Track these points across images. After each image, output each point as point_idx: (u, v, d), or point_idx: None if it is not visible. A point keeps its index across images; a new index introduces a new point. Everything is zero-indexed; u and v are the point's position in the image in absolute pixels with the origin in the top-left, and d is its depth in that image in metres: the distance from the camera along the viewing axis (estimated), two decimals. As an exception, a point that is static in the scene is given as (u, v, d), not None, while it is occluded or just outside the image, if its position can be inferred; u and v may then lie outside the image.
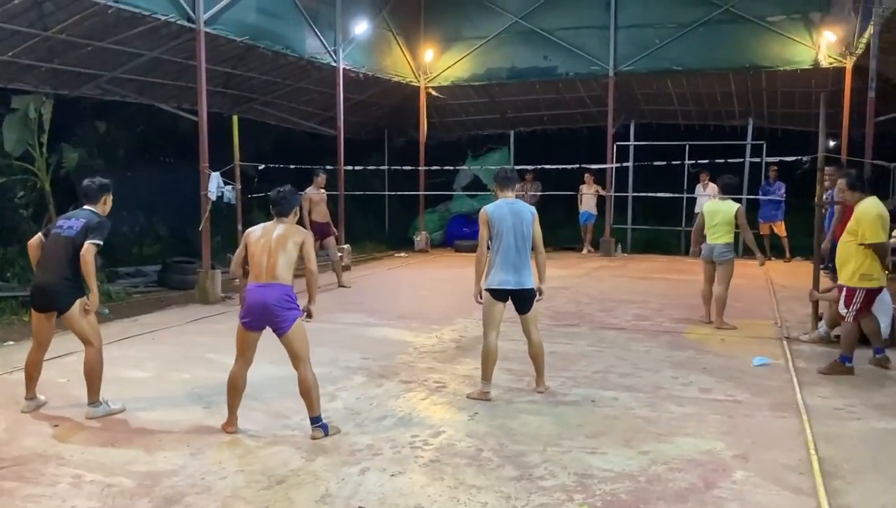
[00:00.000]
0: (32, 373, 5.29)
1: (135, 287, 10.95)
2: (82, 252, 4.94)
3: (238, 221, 10.00)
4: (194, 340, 7.62)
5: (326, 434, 4.67)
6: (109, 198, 5.36)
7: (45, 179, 11.36)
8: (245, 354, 4.76)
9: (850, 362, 6.26)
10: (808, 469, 4.19)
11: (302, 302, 4.74)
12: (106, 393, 5.23)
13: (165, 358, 6.84)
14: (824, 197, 8.27)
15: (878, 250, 6.18)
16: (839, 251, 6.41)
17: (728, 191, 8.46)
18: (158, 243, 13.70)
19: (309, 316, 4.79)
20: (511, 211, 5.48)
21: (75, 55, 10.08)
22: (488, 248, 5.52)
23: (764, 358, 6.65)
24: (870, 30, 11.10)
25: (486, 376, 5.55)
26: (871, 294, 6.26)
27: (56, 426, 4.96)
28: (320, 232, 10.85)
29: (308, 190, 10.86)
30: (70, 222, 5.12)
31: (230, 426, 4.82)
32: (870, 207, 6.23)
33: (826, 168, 9.03)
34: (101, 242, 5.04)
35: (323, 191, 11.19)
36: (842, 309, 6.31)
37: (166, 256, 12.20)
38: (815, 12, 13.56)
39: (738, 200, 14.09)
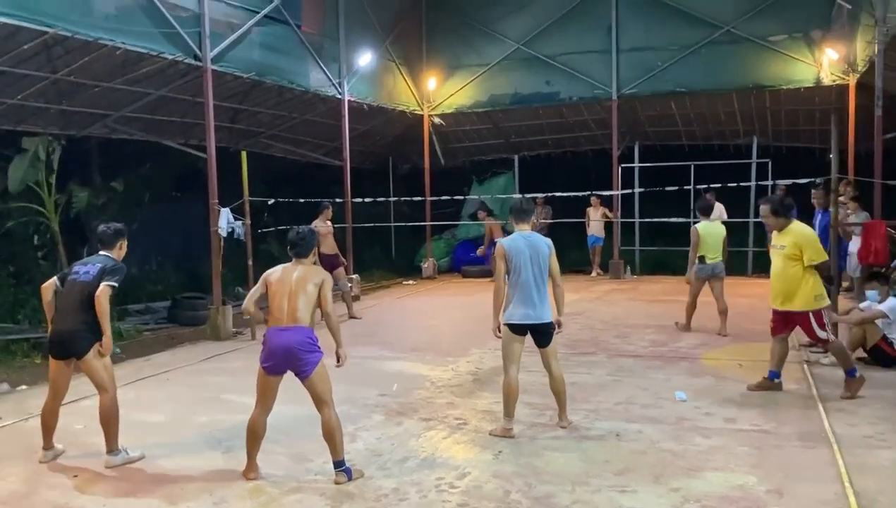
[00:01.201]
0: (49, 423, 5.23)
1: (145, 324, 10.91)
2: (97, 293, 4.94)
3: (248, 256, 9.98)
4: (208, 380, 7.56)
5: (350, 479, 4.59)
6: (125, 243, 5.37)
7: (54, 220, 11.37)
8: (266, 400, 4.70)
9: (857, 372, 6.27)
10: (844, 503, 4.11)
11: (322, 341, 4.68)
12: (123, 438, 5.16)
13: (180, 399, 6.78)
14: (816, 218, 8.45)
15: (825, 267, 6.26)
16: (783, 280, 6.27)
17: (707, 212, 9.21)
18: (167, 279, 13.67)
19: (339, 361, 4.73)
20: (527, 244, 5.44)
21: (83, 96, 10.16)
22: (505, 282, 5.47)
23: (683, 393, 6.41)
24: (866, 48, 11.16)
25: (509, 412, 5.47)
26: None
27: (75, 476, 4.89)
28: (329, 264, 10.82)
29: (315, 222, 10.85)
30: (87, 268, 5.13)
31: (251, 472, 4.74)
32: (804, 229, 6.32)
33: (814, 190, 9.18)
34: (116, 284, 5.05)
35: (329, 223, 11.19)
36: (819, 334, 6.27)
37: (175, 292, 12.17)
38: (816, 30, 13.59)
39: (745, 222, 14.34)
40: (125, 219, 12.14)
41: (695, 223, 9.46)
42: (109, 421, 5.04)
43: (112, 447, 5.07)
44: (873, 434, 5.27)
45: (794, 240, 6.20)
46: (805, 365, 7.27)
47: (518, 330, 5.41)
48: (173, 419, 6.17)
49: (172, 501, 4.42)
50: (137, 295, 12.42)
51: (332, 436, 4.59)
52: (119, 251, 5.28)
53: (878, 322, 7.15)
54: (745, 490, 4.32)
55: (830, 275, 6.76)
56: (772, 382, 6.48)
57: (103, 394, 5.08)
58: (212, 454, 5.25)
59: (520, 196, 16.49)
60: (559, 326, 5.57)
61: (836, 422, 5.50)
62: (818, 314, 6.24)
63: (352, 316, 11.04)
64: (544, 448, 5.14)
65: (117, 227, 5.34)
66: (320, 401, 4.61)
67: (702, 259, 8.98)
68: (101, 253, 5.23)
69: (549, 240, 5.58)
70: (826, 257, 6.29)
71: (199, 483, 4.71)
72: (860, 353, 7.26)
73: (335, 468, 4.62)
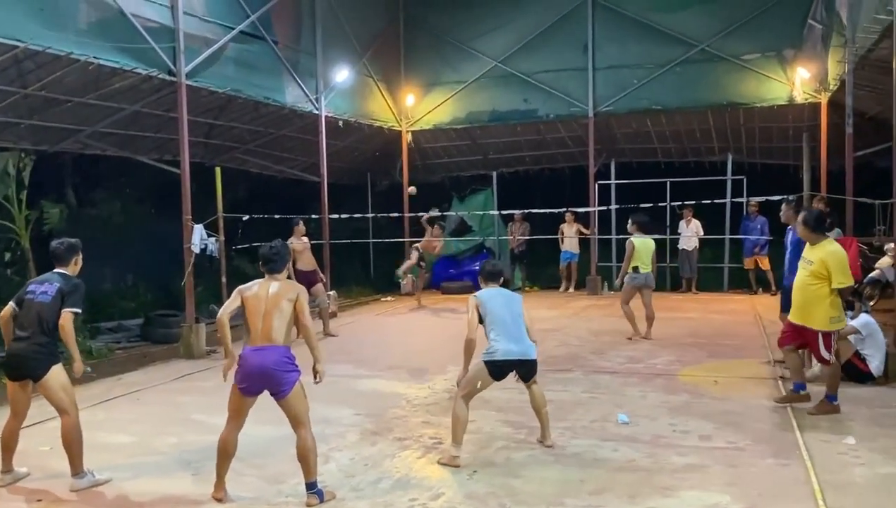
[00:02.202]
0: (9, 444, 5.08)
1: (117, 342, 10.71)
2: (61, 321, 4.81)
3: (222, 273, 9.87)
4: (180, 399, 7.42)
5: (322, 501, 4.50)
6: (80, 259, 5.22)
7: (24, 236, 11.16)
8: (238, 418, 4.61)
9: (836, 400, 6.27)
10: (817, 521, 4.10)
11: (298, 359, 4.60)
12: (91, 460, 5.03)
13: (151, 420, 6.64)
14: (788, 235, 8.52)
15: (846, 292, 6.26)
16: (804, 295, 6.27)
17: (644, 229, 10.01)
18: (141, 296, 13.47)
19: (316, 377, 4.60)
20: (499, 292, 5.53)
21: (55, 111, 10.01)
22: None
23: (625, 416, 6.25)
24: (837, 67, 11.33)
25: (457, 439, 5.16)
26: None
27: (39, 500, 4.75)
28: (307, 280, 10.71)
29: (290, 239, 10.75)
30: (43, 287, 4.97)
31: (219, 492, 4.63)
32: (837, 250, 6.25)
33: (783, 206, 9.27)
34: (80, 310, 4.92)
35: (305, 239, 11.10)
36: (824, 354, 6.25)
37: (149, 309, 11.98)
38: (788, 49, 13.83)
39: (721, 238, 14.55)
40: (108, 234, 12.04)
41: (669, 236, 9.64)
42: (72, 443, 4.90)
43: (77, 469, 4.93)
44: (846, 450, 5.28)
45: (822, 258, 6.11)
46: (780, 382, 7.30)
47: (496, 371, 5.20)
48: (143, 440, 6.03)
49: (138, 526, 4.31)
50: (110, 313, 12.21)
51: (306, 457, 4.50)
52: (74, 267, 5.14)
53: (851, 338, 7.20)
54: (720, 510, 4.30)
55: (850, 300, 6.76)
56: (799, 394, 6.42)
57: (64, 417, 4.94)
58: (181, 475, 5.13)
59: (496, 212, 16.62)
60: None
61: (811, 439, 5.51)
62: (828, 336, 6.20)
63: (327, 334, 10.91)
64: (519, 467, 5.08)
65: (70, 243, 5.18)
66: (297, 422, 4.52)
67: (636, 269, 9.84)
68: (55, 270, 5.09)
69: (519, 296, 5.64)
70: (853, 282, 6.26)
71: (167, 505, 4.60)
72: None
73: (307, 489, 4.53)
